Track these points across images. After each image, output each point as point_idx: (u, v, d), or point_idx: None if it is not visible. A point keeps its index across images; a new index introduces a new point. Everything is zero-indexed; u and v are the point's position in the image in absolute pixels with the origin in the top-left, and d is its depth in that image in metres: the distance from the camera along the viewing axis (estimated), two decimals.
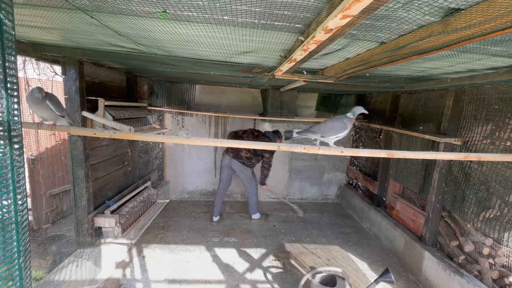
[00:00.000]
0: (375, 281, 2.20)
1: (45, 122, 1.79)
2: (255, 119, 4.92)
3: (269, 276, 2.95)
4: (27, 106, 1.75)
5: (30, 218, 3.77)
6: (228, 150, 4.03)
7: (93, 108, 2.73)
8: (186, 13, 1.19)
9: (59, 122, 1.79)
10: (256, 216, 4.27)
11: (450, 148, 2.77)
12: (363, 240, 3.92)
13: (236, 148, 3.94)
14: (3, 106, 0.59)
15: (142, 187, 3.79)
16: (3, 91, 0.58)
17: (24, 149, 3.54)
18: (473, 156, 1.91)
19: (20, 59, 4.99)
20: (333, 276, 2.38)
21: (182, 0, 1.05)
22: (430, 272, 2.82)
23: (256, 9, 1.10)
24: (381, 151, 1.88)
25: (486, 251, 2.39)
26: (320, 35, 1.12)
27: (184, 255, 3.25)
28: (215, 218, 4.16)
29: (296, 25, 1.25)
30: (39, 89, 1.64)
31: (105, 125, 2.66)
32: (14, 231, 0.60)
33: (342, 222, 4.50)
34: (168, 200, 4.39)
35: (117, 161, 3.36)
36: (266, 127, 5.04)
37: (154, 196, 3.87)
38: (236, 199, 5.19)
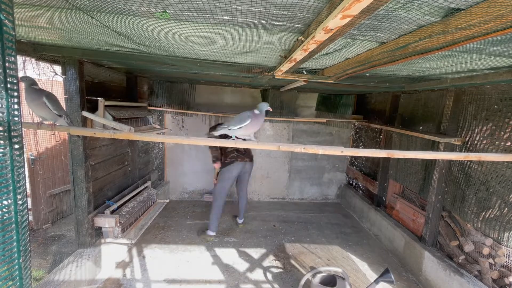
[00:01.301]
0: (375, 281, 2.20)
1: (44, 122, 1.79)
2: None
3: (269, 276, 2.95)
4: (27, 106, 1.75)
5: (30, 218, 3.77)
6: (243, 157, 3.67)
7: (93, 108, 2.72)
8: (186, 13, 1.19)
9: (57, 122, 1.79)
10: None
11: (450, 148, 2.77)
12: (363, 240, 3.92)
13: (249, 150, 3.79)
14: (3, 106, 0.59)
15: (142, 187, 3.79)
16: (3, 91, 0.58)
17: (24, 149, 3.55)
18: (473, 156, 1.91)
19: (20, 59, 4.99)
20: (333, 276, 2.38)
21: (182, 0, 1.05)
22: (430, 272, 2.82)
23: (256, 9, 1.10)
24: (381, 151, 1.88)
25: (486, 251, 2.39)
26: (320, 35, 1.12)
27: (184, 255, 3.25)
28: (213, 233, 3.66)
29: (296, 25, 1.25)
30: (31, 78, 1.64)
31: (105, 125, 2.66)
32: (14, 231, 0.60)
33: (342, 222, 4.50)
34: (168, 200, 4.38)
35: (117, 161, 3.36)
36: (266, 127, 5.05)
37: (154, 196, 3.87)
38: (236, 199, 5.19)
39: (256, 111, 1.81)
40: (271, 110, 1.88)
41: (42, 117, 1.74)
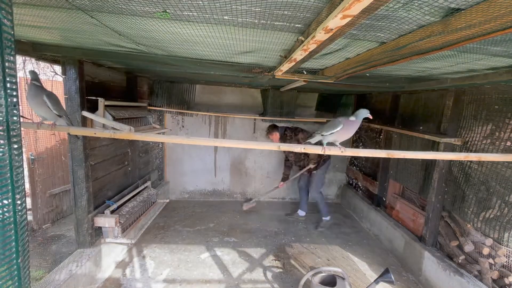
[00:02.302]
0: (375, 281, 2.20)
1: (45, 122, 1.79)
2: (255, 119, 4.92)
3: (269, 276, 2.95)
4: (27, 107, 1.76)
5: (30, 218, 3.77)
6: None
7: (93, 108, 2.72)
8: (186, 13, 1.19)
9: (57, 122, 1.79)
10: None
11: (450, 148, 2.77)
12: (363, 240, 3.92)
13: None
14: (2, 106, 0.59)
15: (142, 187, 3.79)
16: (2, 91, 0.58)
17: (24, 149, 3.55)
18: (473, 156, 1.91)
19: (20, 59, 4.99)
20: (333, 276, 2.38)
21: (182, 0, 1.05)
22: (430, 272, 2.82)
23: (256, 9, 1.09)
24: (381, 151, 1.88)
25: (486, 251, 2.39)
26: (320, 35, 1.12)
27: (184, 255, 3.25)
28: (327, 217, 4.17)
29: (296, 25, 1.25)
30: (34, 73, 1.65)
31: (105, 125, 2.66)
32: (13, 231, 0.60)
33: (342, 222, 4.49)
34: (168, 200, 4.38)
35: (117, 161, 3.36)
36: (266, 127, 5.04)
37: (154, 196, 3.87)
38: (236, 199, 5.20)
39: (352, 118, 1.75)
40: (371, 117, 1.81)
41: (42, 116, 1.74)
